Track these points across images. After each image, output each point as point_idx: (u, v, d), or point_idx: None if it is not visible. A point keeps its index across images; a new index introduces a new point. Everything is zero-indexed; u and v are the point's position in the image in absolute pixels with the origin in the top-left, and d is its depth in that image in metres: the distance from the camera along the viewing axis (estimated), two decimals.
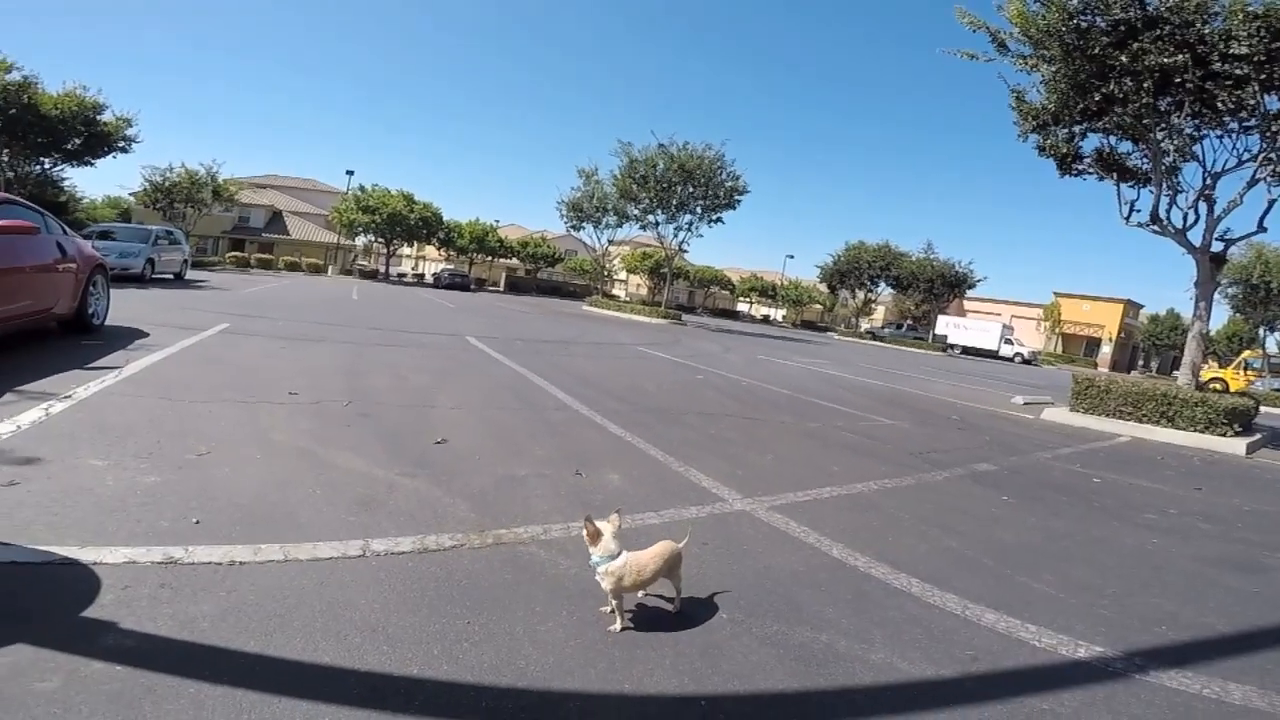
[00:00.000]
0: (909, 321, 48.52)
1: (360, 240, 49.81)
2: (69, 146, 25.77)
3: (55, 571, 1.96)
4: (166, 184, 36.04)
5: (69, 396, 4.01)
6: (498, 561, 2.45)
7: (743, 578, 2.57)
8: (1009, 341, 41.73)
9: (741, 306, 68.97)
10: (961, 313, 52.27)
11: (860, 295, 50.03)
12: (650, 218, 31.65)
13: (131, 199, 40.75)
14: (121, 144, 27.30)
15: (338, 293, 21.56)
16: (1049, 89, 9.61)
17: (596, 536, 2.08)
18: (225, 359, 6.19)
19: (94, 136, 26.10)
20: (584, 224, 38.06)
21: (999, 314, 52.84)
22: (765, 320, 61.55)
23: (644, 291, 56.82)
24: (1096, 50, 8.52)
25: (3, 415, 3.46)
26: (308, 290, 20.93)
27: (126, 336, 6.67)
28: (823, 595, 2.50)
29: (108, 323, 7.16)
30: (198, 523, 2.43)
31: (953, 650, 2.19)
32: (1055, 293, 55.46)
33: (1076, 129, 10.34)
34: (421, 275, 52.71)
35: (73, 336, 6.32)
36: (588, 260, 49.93)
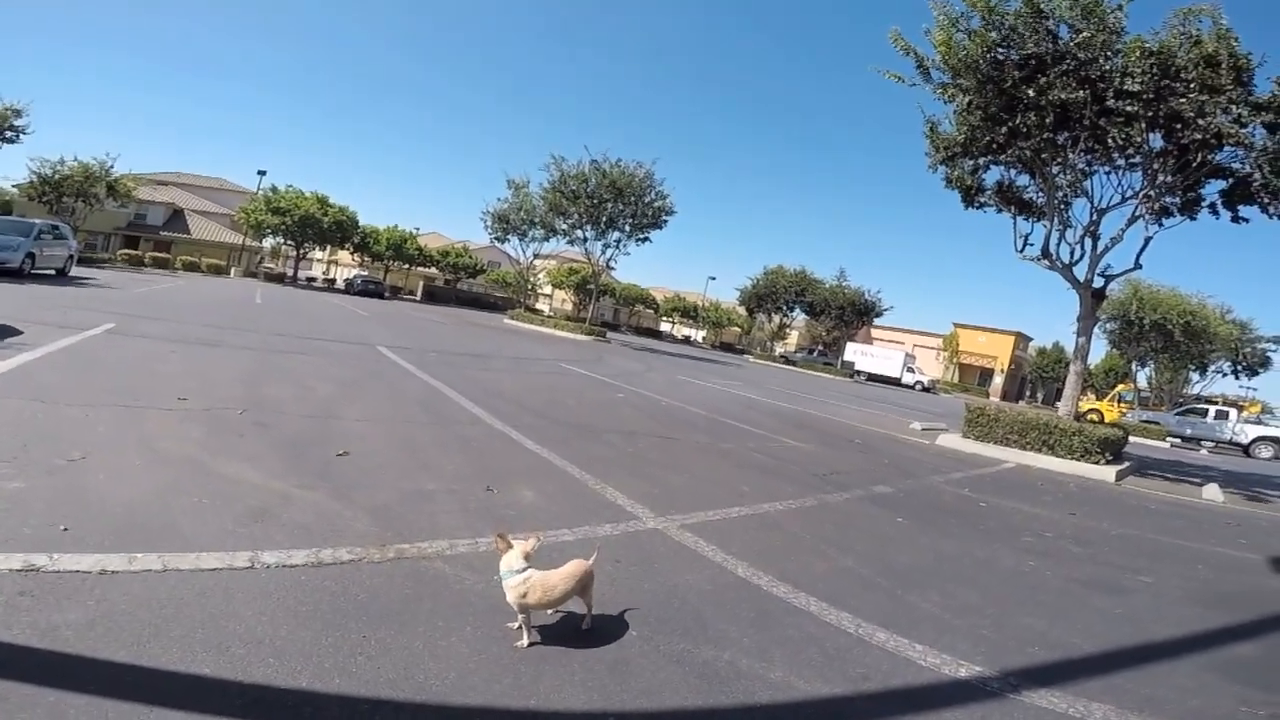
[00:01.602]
0: (820, 347, 50.78)
1: (269, 242, 47.02)
2: None
3: None
4: (56, 177, 33.22)
5: None
6: (399, 576, 2.39)
7: (653, 595, 2.61)
8: (911, 370, 44.45)
9: (665, 326, 70.02)
10: (869, 340, 55.30)
11: (776, 319, 51.95)
12: (579, 233, 31.71)
13: (15, 190, 36.98)
14: (9, 133, 25.69)
15: (239, 295, 20.19)
16: (961, 119, 10.09)
17: (507, 548, 2.08)
18: (108, 361, 5.69)
19: None
20: (509, 236, 37.65)
21: (903, 343, 56.12)
22: (686, 340, 62.75)
23: (569, 307, 56.64)
24: (1008, 84, 9.12)
25: None
26: (207, 292, 19.51)
27: None
28: (727, 614, 2.57)
29: None
30: (65, 530, 2.24)
31: (846, 669, 2.29)
32: (954, 324, 59.67)
33: (981, 161, 10.88)
34: (333, 280, 50.24)
35: None
36: (511, 273, 49.31)
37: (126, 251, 37.28)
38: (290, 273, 44.54)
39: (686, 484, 4.64)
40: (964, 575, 3.65)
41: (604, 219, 30.39)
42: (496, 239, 38.71)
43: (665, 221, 31.13)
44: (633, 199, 29.78)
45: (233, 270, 40.98)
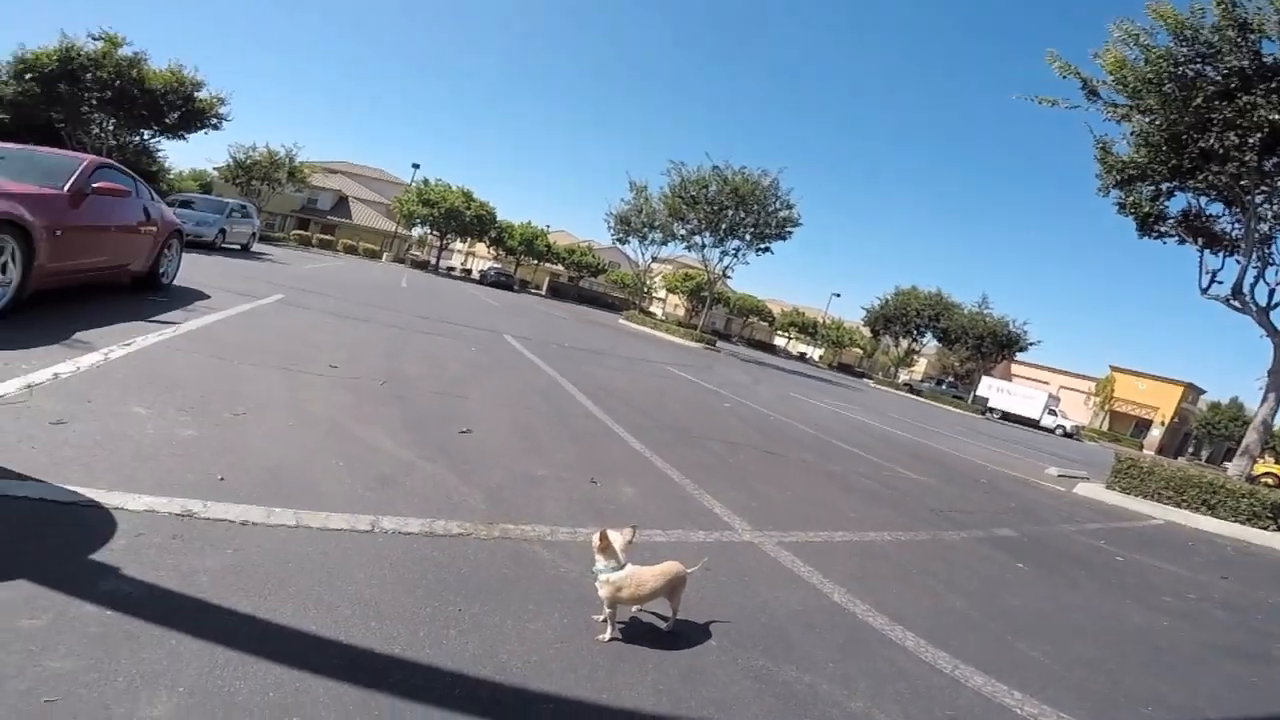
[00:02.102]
0: (950, 378, 47.33)
1: (417, 231, 51.21)
2: (167, 120, 27.40)
3: (78, 512, 2.05)
4: (249, 161, 38.04)
5: (128, 344, 4.25)
6: (501, 555, 2.50)
7: (740, 609, 2.55)
8: (1053, 412, 40.28)
9: (779, 340, 68.38)
10: (1008, 376, 50.85)
11: (904, 344, 48.98)
12: (696, 239, 31.70)
13: (215, 173, 42.98)
14: (214, 121, 28.80)
15: (388, 279, 22.18)
16: (1139, 141, 9.22)
17: (607, 548, 2.09)
18: (275, 328, 6.45)
19: (190, 112, 27.70)
20: (630, 237, 38.41)
21: (1047, 382, 51.15)
22: (801, 357, 60.88)
23: (681, 312, 56.93)
24: (1200, 101, 8.13)
25: (67, 355, 3.69)
26: (361, 273, 21.59)
27: (189, 297, 7.02)
28: (815, 637, 2.47)
29: (175, 283, 7.56)
30: (222, 479, 2.54)
31: (932, 708, 2.15)
32: (1112, 367, 53.43)
33: (1164, 186, 9.84)
34: (469, 271, 53.75)
35: (142, 292, 6.69)
36: (629, 274, 50.30)
37: (298, 232, 42.09)
38: (433, 261, 48.23)
39: (787, 501, 4.50)
40: (1083, 628, 3.34)
41: (724, 226, 30.11)
42: (617, 239, 39.67)
43: (790, 233, 30.32)
44: (755, 208, 29.25)
45: (384, 255, 45.05)
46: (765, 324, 66.20)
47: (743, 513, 3.87)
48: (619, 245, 41.05)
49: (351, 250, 42.12)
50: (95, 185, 5.63)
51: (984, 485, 7.89)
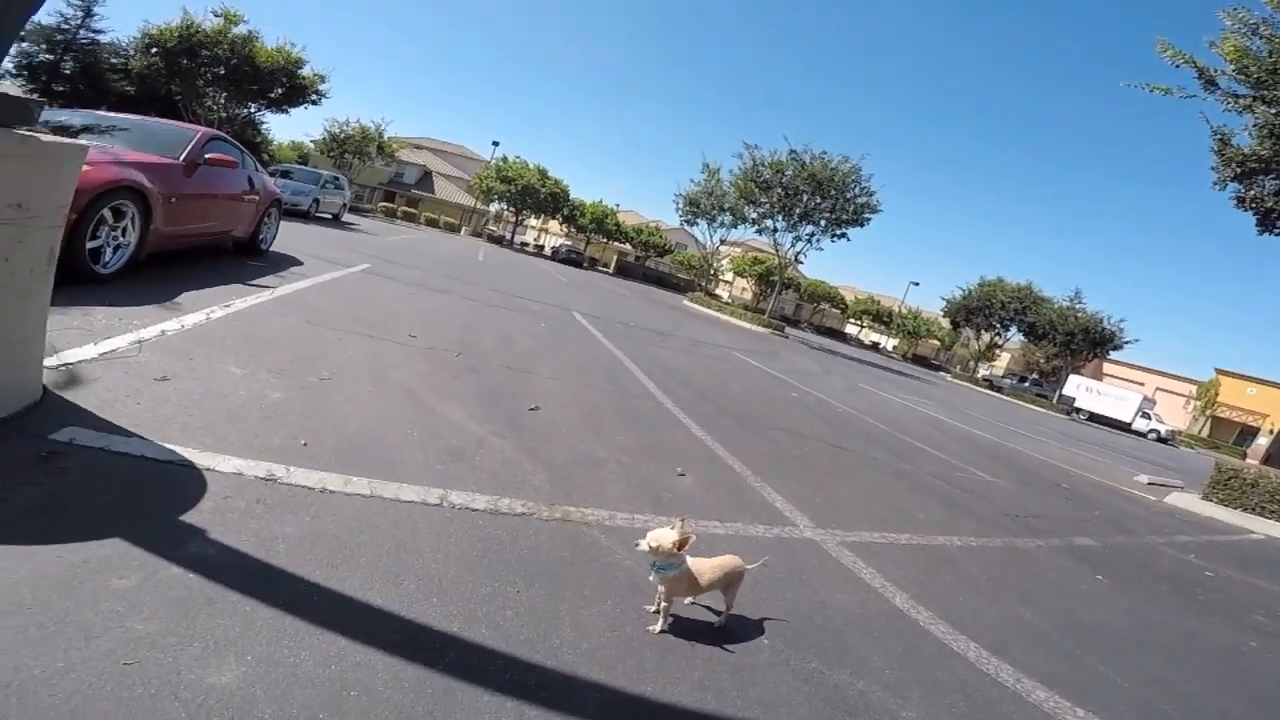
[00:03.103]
0: (1034, 376, 44.72)
1: (494, 207, 52.45)
2: (272, 95, 29.14)
3: (174, 471, 2.18)
4: (342, 135, 39.86)
5: (228, 306, 4.56)
6: (560, 538, 2.53)
7: (796, 608, 2.51)
8: (1146, 415, 37.35)
9: (850, 328, 66.22)
10: (1098, 375, 47.52)
11: (985, 337, 46.53)
12: (768, 223, 30.99)
13: (311, 146, 45.30)
14: (314, 97, 30.32)
15: (466, 253, 22.86)
16: (1264, 133, 8.58)
17: (660, 549, 2.02)
18: (361, 295, 6.78)
19: (294, 89, 29.30)
20: (698, 219, 37.97)
21: (1142, 383, 47.43)
22: (874, 347, 58.77)
23: (748, 296, 55.97)
24: None
25: (173, 314, 3.99)
26: (441, 246, 22.35)
27: (285, 263, 7.46)
28: (872, 642, 2.41)
29: (273, 249, 8.05)
30: (305, 445, 2.67)
31: None
32: (1217, 370, 48.88)
33: None
34: (541, 247, 54.69)
35: (242, 256, 7.17)
36: (696, 256, 49.79)
37: (385, 205, 43.94)
38: (509, 236, 49.38)
39: (853, 499, 4.37)
40: (1162, 645, 3.16)
41: (798, 211, 29.31)
42: (686, 221, 39.31)
43: (868, 220, 29.21)
44: (833, 193, 28.31)
45: (463, 230, 46.46)
46: (837, 311, 64.21)
47: (805, 508, 3.78)
48: (687, 227, 40.70)
49: (433, 223, 43.61)
50: (207, 156, 6.00)
51: (1065, 491, 7.42)
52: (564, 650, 1.83)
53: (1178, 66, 8.82)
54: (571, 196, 49.92)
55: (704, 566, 2.12)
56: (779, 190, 28.85)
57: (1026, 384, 41.67)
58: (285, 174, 18.30)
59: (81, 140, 4.32)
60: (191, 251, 6.19)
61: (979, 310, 44.42)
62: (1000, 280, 44.34)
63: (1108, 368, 50.90)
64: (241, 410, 2.85)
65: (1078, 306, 41.22)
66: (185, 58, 26.16)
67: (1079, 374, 41.64)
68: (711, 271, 45.07)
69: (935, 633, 2.63)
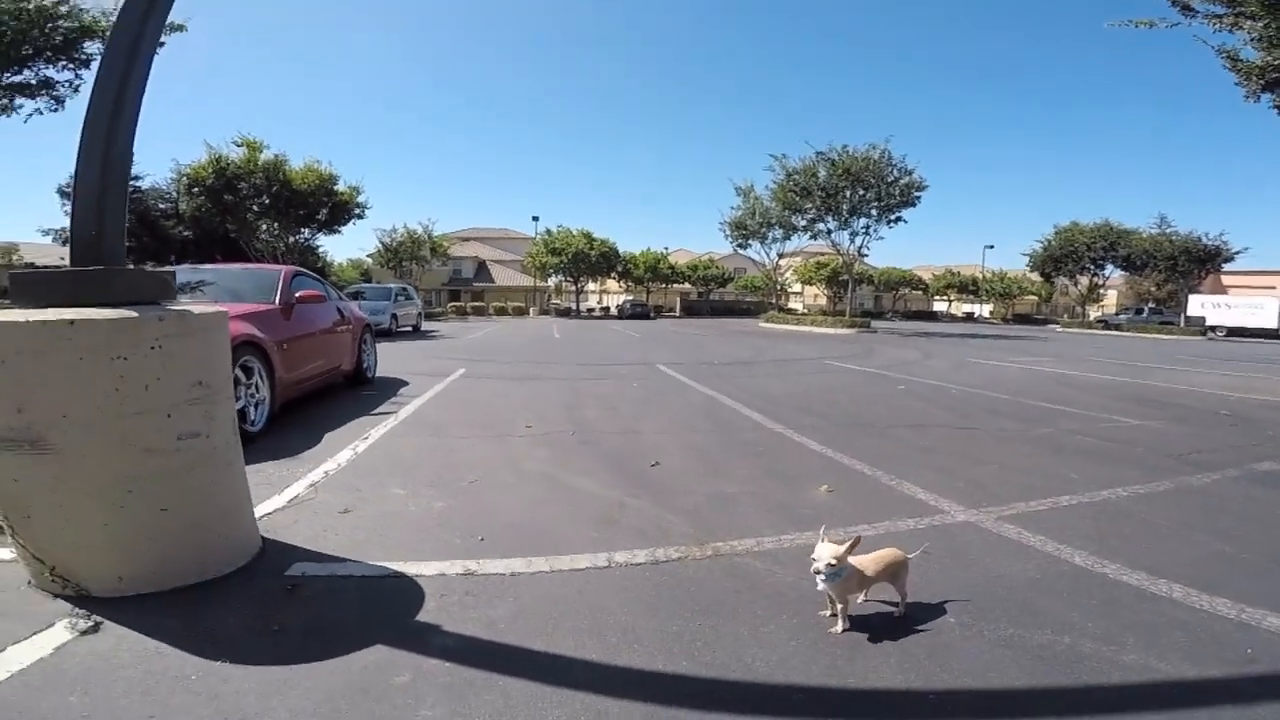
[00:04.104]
0: (1150, 305, 41.05)
1: (552, 280, 54.26)
2: (320, 217, 29.09)
3: (391, 583, 2.54)
4: (394, 244, 40.81)
5: (366, 438, 5.08)
6: (718, 571, 2.69)
7: (971, 585, 2.54)
8: None
9: (939, 306, 63.31)
10: (1221, 290, 42.97)
11: (1083, 281, 43.39)
12: (819, 226, 30.68)
13: (369, 260, 46.70)
14: (356, 211, 30.32)
15: (541, 332, 23.91)
16: (1266, 45, 8.19)
17: (850, 551, 2.15)
18: (470, 400, 7.31)
19: (336, 206, 29.15)
20: (750, 241, 38.00)
21: (1273, 286, 42.42)
22: (969, 318, 55.85)
23: (823, 301, 54.87)
24: None
25: (326, 455, 4.51)
26: (517, 332, 23.48)
27: (393, 385, 8.15)
28: (1064, 601, 2.41)
29: (377, 375, 8.79)
30: (482, 540, 3.00)
31: (1221, 652, 2.04)
32: None
33: None
34: (607, 308, 56.07)
35: (354, 388, 7.80)
36: (758, 277, 49.48)
37: (454, 304, 46.23)
38: (574, 306, 51.00)
39: (996, 475, 4.26)
40: None
41: (845, 207, 28.93)
42: (738, 246, 39.38)
43: (918, 199, 28.50)
44: (873, 182, 27.86)
45: (531, 310, 48.49)
46: (919, 292, 61.72)
47: (950, 494, 3.75)
48: (740, 251, 40.78)
49: (501, 311, 45.78)
50: (297, 295, 6.20)
51: (1227, 418, 6.80)
52: (758, 664, 1.98)
53: None
54: (621, 252, 51.09)
55: (865, 561, 2.23)
56: (819, 193, 28.67)
57: (1145, 315, 38.22)
58: (357, 295, 18.35)
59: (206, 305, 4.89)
60: (311, 395, 6.58)
61: (1065, 257, 41.89)
62: (1075, 224, 41.70)
63: (1228, 280, 46.09)
64: (418, 522, 3.23)
65: (1167, 230, 38.07)
66: (227, 193, 25.98)
67: (1198, 293, 38.00)
68: (778, 287, 44.64)
69: (1130, 582, 2.59)
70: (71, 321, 2.16)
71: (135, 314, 2.31)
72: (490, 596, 2.43)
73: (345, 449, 4.70)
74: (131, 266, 2.62)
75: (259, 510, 3.27)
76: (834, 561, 2.11)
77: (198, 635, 2.10)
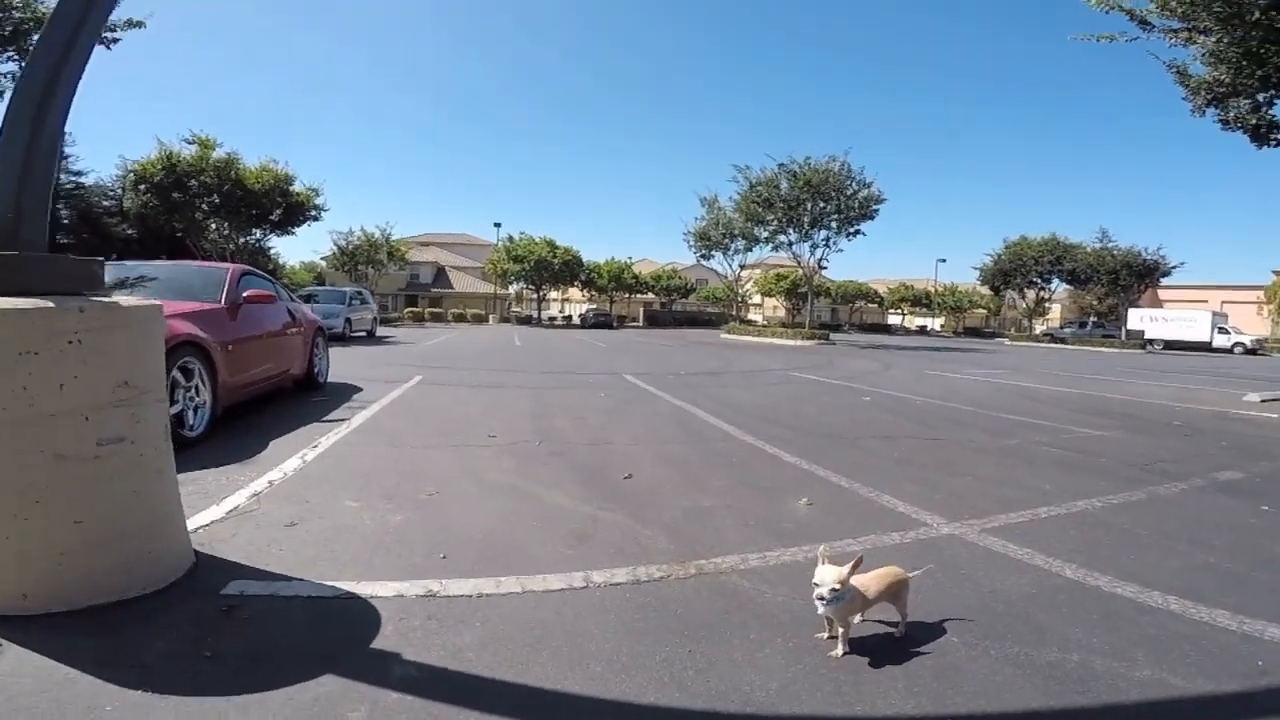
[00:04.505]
0: (1093, 319, 43.03)
1: (513, 288, 53.46)
2: (273, 218, 27.87)
3: (343, 605, 2.28)
4: (350, 247, 39.54)
5: (316, 445, 4.75)
6: (705, 591, 2.51)
7: (967, 602, 2.43)
8: (1224, 330, 35.50)
9: (893, 319, 65.01)
10: (1156, 303, 45.44)
11: (1030, 294, 45.22)
12: (781, 238, 31.11)
13: (323, 263, 44.86)
14: (312, 213, 29.17)
15: (502, 340, 23.44)
16: (1213, 60, 8.60)
17: (851, 572, 2.01)
18: (428, 408, 6.98)
19: (290, 207, 27.94)
20: (713, 252, 38.31)
21: (1205, 300, 45.10)
22: (922, 331, 57.53)
23: (782, 313, 55.70)
24: (1258, 16, 7.46)
25: (272, 463, 4.18)
26: (476, 339, 22.99)
27: (346, 391, 7.76)
28: (1064, 616, 2.33)
29: (329, 380, 8.34)
30: (444, 558, 2.74)
31: (1234, 665, 1.99)
32: (1276, 271, 46.24)
33: (1260, 98, 8.99)
34: (569, 317, 55.60)
35: (304, 393, 7.37)
36: (720, 288, 49.91)
37: (410, 310, 45.09)
38: (535, 314, 50.36)
39: (972, 486, 4.21)
40: None
41: (806, 220, 29.42)
42: (701, 256, 39.66)
43: (875, 212, 29.20)
44: (833, 194, 28.43)
45: (490, 318, 47.71)
46: (875, 305, 63.29)
47: (930, 506, 3.67)
48: (703, 262, 41.07)
49: (460, 318, 44.92)
50: (245, 294, 5.84)
51: (1180, 428, 7.03)
52: (756, 694, 1.81)
53: (1109, 12, 8.93)
54: (585, 261, 50.75)
55: (867, 581, 2.09)
56: (781, 205, 29.07)
57: (1088, 328, 40.06)
58: (309, 298, 17.56)
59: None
60: (257, 400, 6.24)
61: (1014, 270, 43.61)
62: (1024, 238, 43.53)
63: (1164, 294, 48.84)
64: (374, 538, 2.96)
65: (1109, 245, 40.04)
66: (176, 190, 24.80)
67: (1136, 307, 40.02)
68: (739, 299, 45.10)
69: (1125, 594, 2.54)
70: None
71: (50, 304, 2.05)
72: (455, 621, 2.19)
73: (293, 457, 4.38)
74: (53, 254, 2.31)
75: (194, 522, 2.97)
76: (838, 586, 1.97)
77: (116, 660, 1.83)
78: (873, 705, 1.76)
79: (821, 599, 1.98)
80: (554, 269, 47.05)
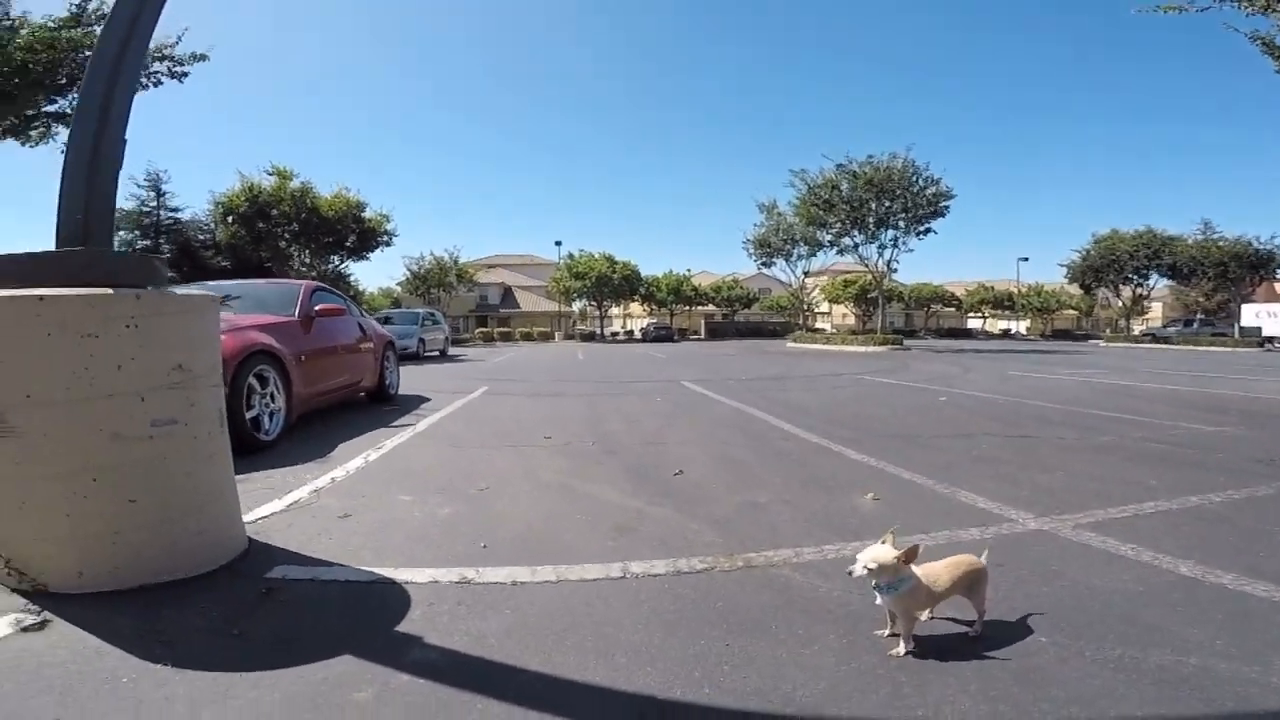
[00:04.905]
0: (1199, 316, 39.37)
1: (576, 305, 54.32)
2: (348, 244, 29.47)
3: (377, 589, 2.26)
4: (421, 271, 41.61)
5: (380, 448, 4.86)
6: (750, 584, 2.33)
7: (1058, 600, 2.14)
8: None
9: (973, 323, 61.77)
10: (1275, 298, 41.16)
11: (1126, 292, 41.86)
12: (846, 240, 30.14)
13: (398, 288, 47.80)
14: (384, 238, 30.57)
15: (566, 355, 23.76)
16: None
17: (905, 560, 1.79)
18: (490, 414, 7.07)
19: (364, 233, 29.50)
20: (774, 259, 37.56)
21: None
22: (1006, 335, 54.30)
23: (851, 321, 53.96)
24: None
25: (337, 463, 4.29)
26: (541, 355, 23.40)
27: (415, 402, 7.98)
28: (1179, 616, 2.00)
29: (400, 392, 8.64)
30: (485, 547, 2.70)
31: None
32: None
33: None
34: (631, 331, 55.84)
35: (376, 404, 7.69)
36: (784, 296, 48.90)
37: (480, 330, 46.66)
38: (598, 330, 50.93)
39: (1064, 483, 3.81)
40: None
41: (871, 220, 28.39)
42: (762, 264, 38.97)
43: (946, 208, 27.89)
44: (898, 192, 27.32)
45: (556, 335, 48.61)
46: (952, 309, 60.35)
47: (1014, 503, 3.33)
48: (764, 270, 40.40)
49: (528, 336, 46.03)
50: (317, 308, 6.18)
51: None
52: (799, 694, 1.61)
53: None
54: (644, 275, 50.84)
55: (937, 570, 1.85)
56: (843, 205, 28.20)
57: (1194, 326, 36.58)
58: (385, 320, 18.31)
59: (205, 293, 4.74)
60: (330, 409, 6.51)
61: (1106, 267, 40.38)
62: (1116, 232, 40.34)
63: None
64: (420, 529, 2.94)
65: (1213, 236, 36.57)
66: (260, 220, 26.38)
67: (1251, 301, 36.35)
68: (805, 307, 43.99)
69: (1256, 593, 2.17)
70: (41, 298, 2.03)
71: (109, 291, 2.16)
72: (485, 608, 2.12)
73: (357, 457, 4.49)
74: (118, 252, 2.46)
75: (255, 514, 3.07)
76: (874, 565, 1.76)
77: (148, 636, 1.85)
78: (938, 711, 1.52)
79: (852, 573, 1.77)
80: (614, 284, 47.39)
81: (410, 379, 10.16)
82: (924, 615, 1.94)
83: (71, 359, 2.04)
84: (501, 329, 48.95)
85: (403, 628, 1.97)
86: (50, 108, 15.00)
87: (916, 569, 1.82)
